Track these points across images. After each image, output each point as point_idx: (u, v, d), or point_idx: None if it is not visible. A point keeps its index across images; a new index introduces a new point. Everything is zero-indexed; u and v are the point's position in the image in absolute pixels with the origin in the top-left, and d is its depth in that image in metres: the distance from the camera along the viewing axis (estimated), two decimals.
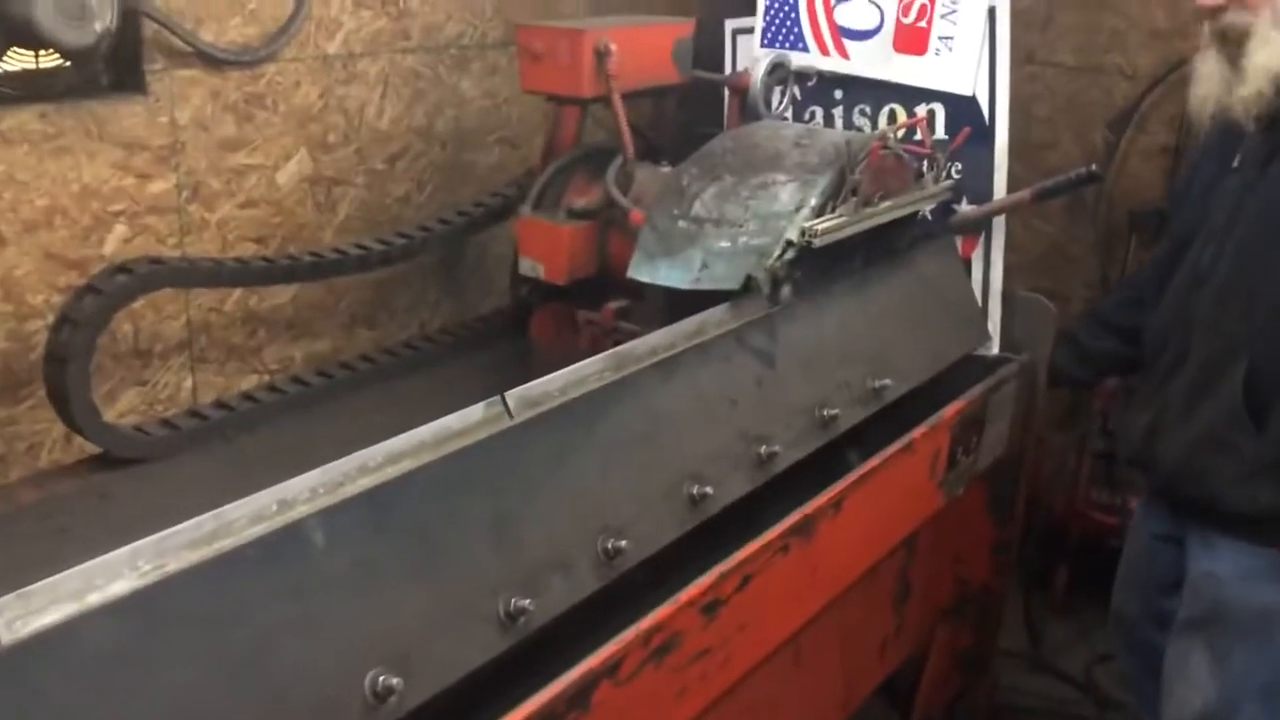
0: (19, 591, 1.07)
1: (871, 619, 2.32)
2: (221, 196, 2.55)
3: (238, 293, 2.60)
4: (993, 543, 2.59)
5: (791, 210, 1.96)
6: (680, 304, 1.92)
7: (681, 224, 2.02)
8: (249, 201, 2.60)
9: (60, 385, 1.90)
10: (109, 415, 2.38)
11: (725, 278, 1.91)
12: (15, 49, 2.19)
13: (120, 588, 1.11)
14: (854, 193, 2.00)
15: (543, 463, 1.47)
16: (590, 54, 2.25)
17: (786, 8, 2.63)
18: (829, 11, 2.58)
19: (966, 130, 2.36)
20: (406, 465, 1.33)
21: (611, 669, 1.39)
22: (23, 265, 2.22)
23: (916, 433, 2.04)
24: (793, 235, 1.91)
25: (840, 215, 1.99)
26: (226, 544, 1.16)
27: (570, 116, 2.49)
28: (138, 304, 2.30)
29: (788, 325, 1.92)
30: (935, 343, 2.28)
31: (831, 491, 1.81)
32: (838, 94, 2.60)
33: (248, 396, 2.23)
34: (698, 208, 2.03)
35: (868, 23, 2.55)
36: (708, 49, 3.00)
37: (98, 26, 2.16)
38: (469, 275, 3.11)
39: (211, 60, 2.44)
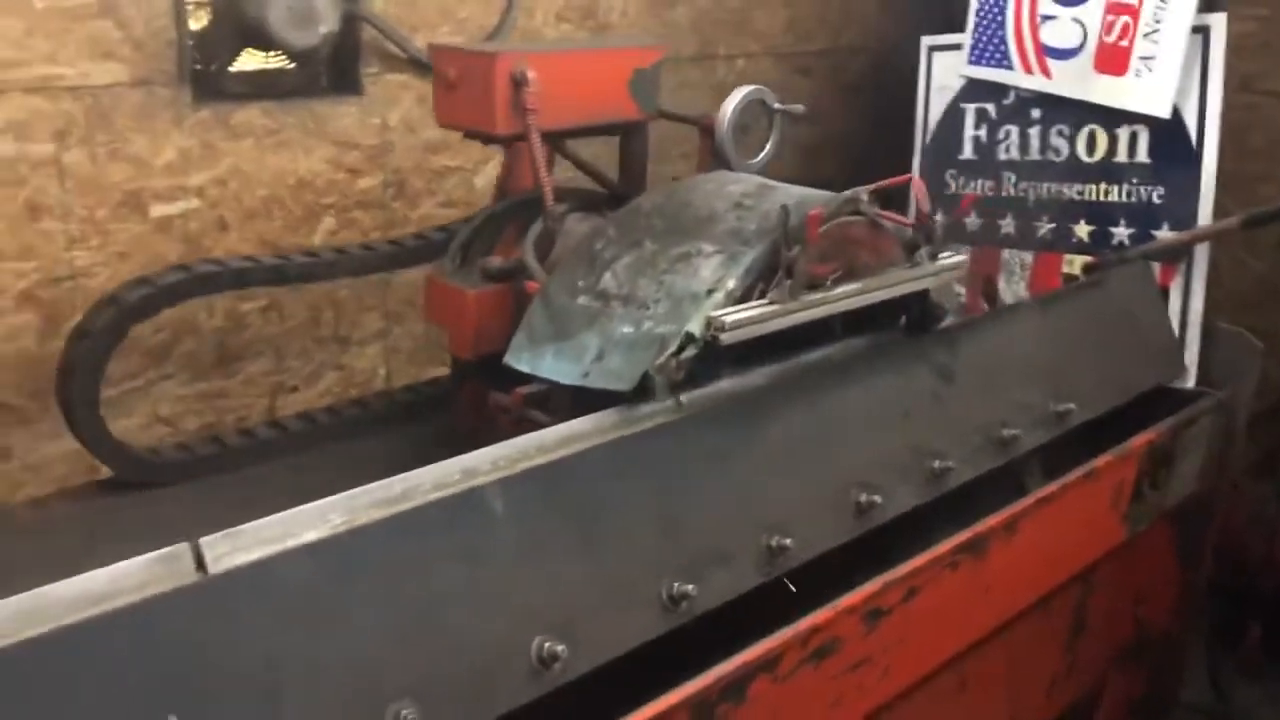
0: (226, 531, 1.17)
1: (1042, 654, 2.23)
2: (423, 195, 2.69)
3: None
4: (1178, 586, 2.46)
5: (704, 292, 1.58)
6: (605, 394, 1.55)
7: (582, 300, 1.66)
8: (448, 201, 2.73)
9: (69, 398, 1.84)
10: (310, 395, 2.55)
11: (618, 374, 1.53)
12: (248, 49, 2.38)
13: (313, 535, 1.19)
14: (789, 274, 1.57)
15: (711, 457, 1.49)
16: (505, 82, 1.83)
17: (995, 25, 2.59)
18: (1034, 30, 2.52)
19: (972, 196, 2.05)
20: (579, 447, 1.38)
21: (769, 664, 1.39)
22: (241, 250, 2.40)
23: (1100, 460, 1.96)
24: (695, 327, 1.53)
25: (767, 302, 1.57)
26: (411, 504, 1.23)
27: (524, 154, 1.98)
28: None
29: (969, 342, 1.88)
30: (1125, 371, 2.19)
31: (1007, 512, 1.76)
32: (1035, 113, 2.54)
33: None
34: (607, 280, 1.66)
35: (1071, 41, 2.49)
36: (902, 67, 2.98)
37: (322, 30, 2.32)
38: None
39: (422, 66, 2.58)
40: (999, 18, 2.63)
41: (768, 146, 2.18)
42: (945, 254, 1.83)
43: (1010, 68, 2.60)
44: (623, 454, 1.42)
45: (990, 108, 2.59)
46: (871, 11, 3.54)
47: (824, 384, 1.67)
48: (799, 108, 2.18)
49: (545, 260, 1.91)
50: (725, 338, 1.51)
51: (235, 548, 1.17)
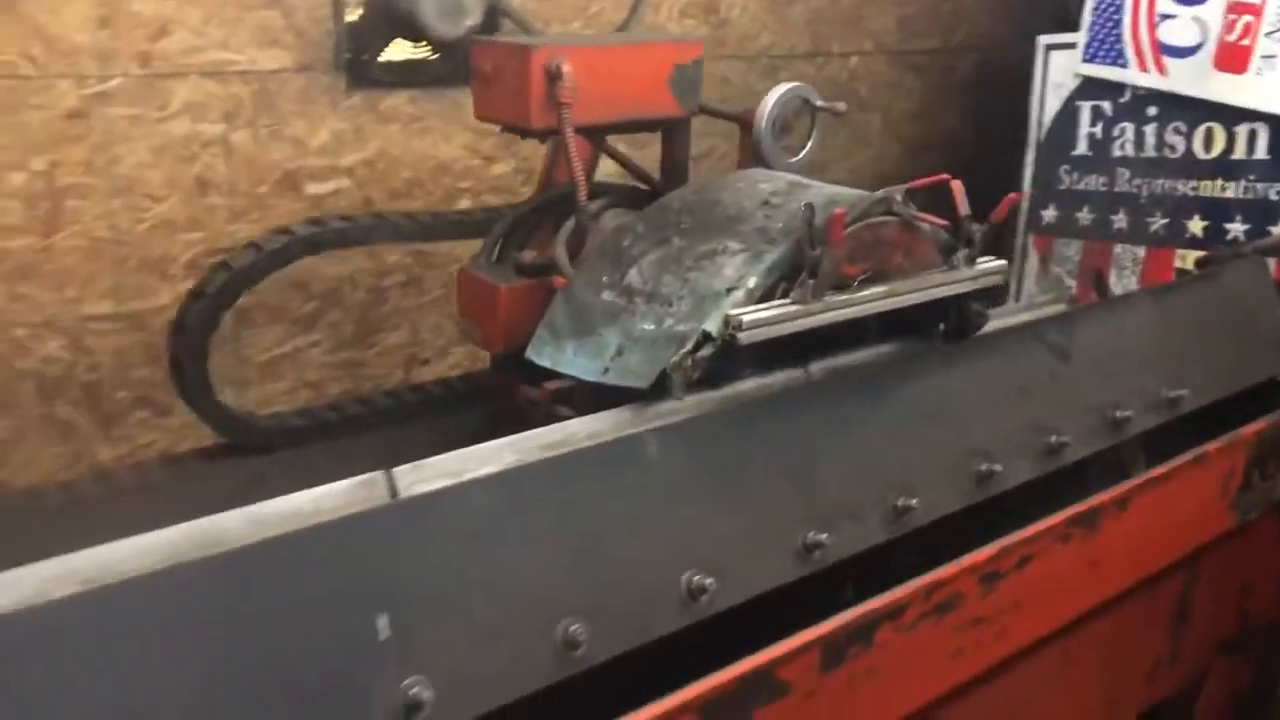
0: (414, 464, 1.31)
1: (1145, 637, 2.28)
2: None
3: None
4: None
5: (724, 290, 1.57)
6: (626, 391, 1.55)
7: (606, 296, 1.64)
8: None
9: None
10: (440, 367, 2.71)
11: (637, 372, 1.53)
12: (397, 40, 2.54)
13: (489, 470, 1.32)
14: (813, 273, 1.55)
15: (842, 421, 1.59)
16: (539, 75, 1.80)
17: (1111, 24, 2.64)
18: (1152, 28, 2.57)
19: (1015, 197, 1.78)
20: (730, 404, 1.50)
21: (894, 613, 1.49)
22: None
23: (1211, 446, 2.01)
24: (713, 326, 1.52)
25: (789, 303, 1.55)
26: (576, 447, 1.36)
27: (566, 149, 1.95)
28: None
29: (1086, 325, 1.95)
30: (1238, 362, 2.22)
31: (1119, 489, 1.83)
32: (1151, 111, 2.59)
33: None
34: (632, 276, 1.65)
35: (1189, 39, 2.53)
36: (1013, 66, 3.04)
37: (468, 22, 2.47)
38: None
39: None
40: (1116, 16, 2.68)
41: (809, 145, 2.12)
42: (985, 259, 1.75)
43: (1125, 66, 2.64)
44: (763, 414, 1.53)
45: (1106, 105, 2.64)
46: (984, 11, 3.60)
47: (948, 361, 1.75)
48: (840, 106, 2.13)
49: (577, 256, 1.90)
50: (743, 337, 1.49)
51: (422, 478, 1.31)
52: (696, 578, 1.34)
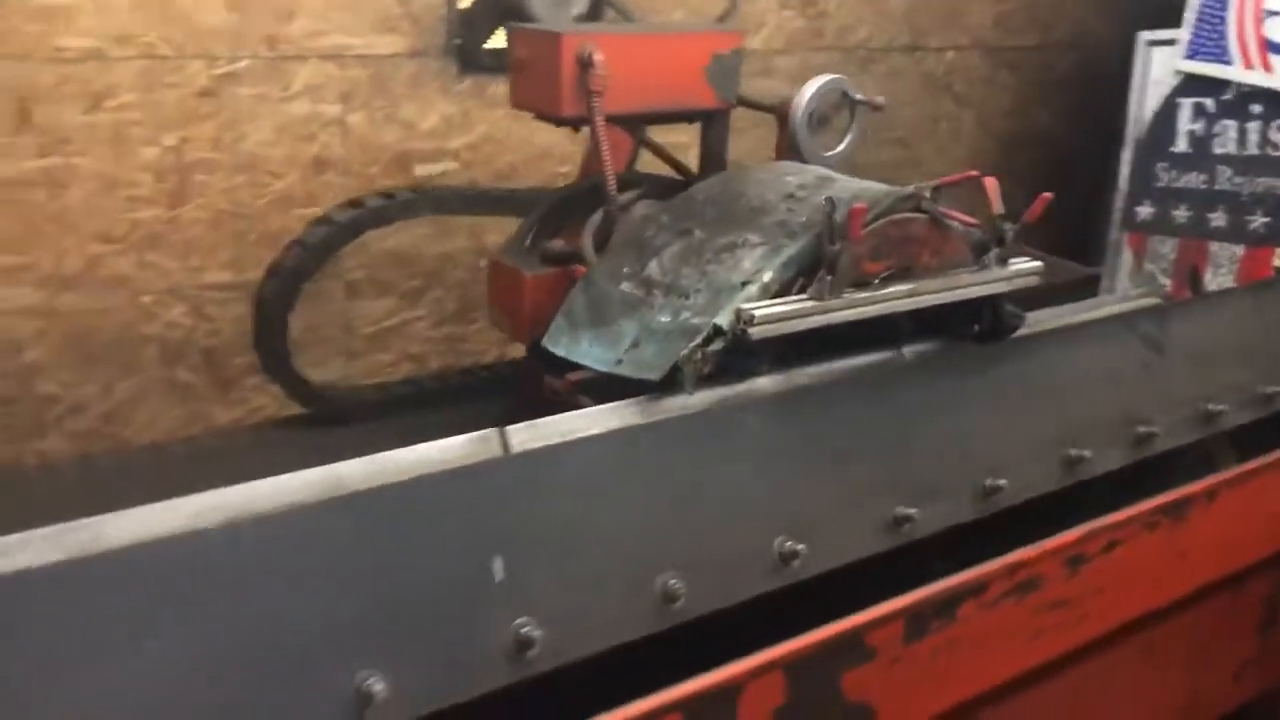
0: (529, 423, 1.39)
1: (1232, 636, 2.27)
2: (647, 167, 2.89)
3: None
4: None
5: (739, 284, 1.55)
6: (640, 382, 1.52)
7: (625, 287, 1.63)
8: (667, 173, 2.93)
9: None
10: None
11: (650, 364, 1.51)
12: (504, 27, 2.63)
13: (596, 430, 1.40)
14: (831, 269, 1.51)
15: (936, 400, 1.64)
16: (571, 63, 1.78)
17: (1215, 20, 2.63)
18: (1258, 24, 2.55)
19: (1046, 198, 1.68)
20: (825, 380, 1.55)
21: (976, 590, 1.53)
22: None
23: None
24: (724, 320, 1.49)
25: (805, 298, 1.52)
26: (678, 414, 1.42)
27: (607, 138, 1.92)
28: None
29: (1181, 319, 1.96)
30: None
31: (1208, 481, 1.84)
32: (1255, 109, 2.57)
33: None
34: (653, 268, 1.63)
35: None
36: (1111, 63, 3.03)
37: (573, 11, 2.55)
38: None
39: None
40: (1220, 13, 2.66)
41: (846, 139, 2.05)
42: (1019, 259, 1.69)
43: (1229, 62, 2.62)
44: (859, 391, 1.58)
45: (1208, 102, 2.62)
46: (1085, 7, 3.58)
47: (1042, 347, 1.78)
48: (880, 100, 2.06)
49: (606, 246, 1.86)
50: (754, 332, 1.46)
51: (534, 436, 1.39)
52: (789, 543, 1.40)
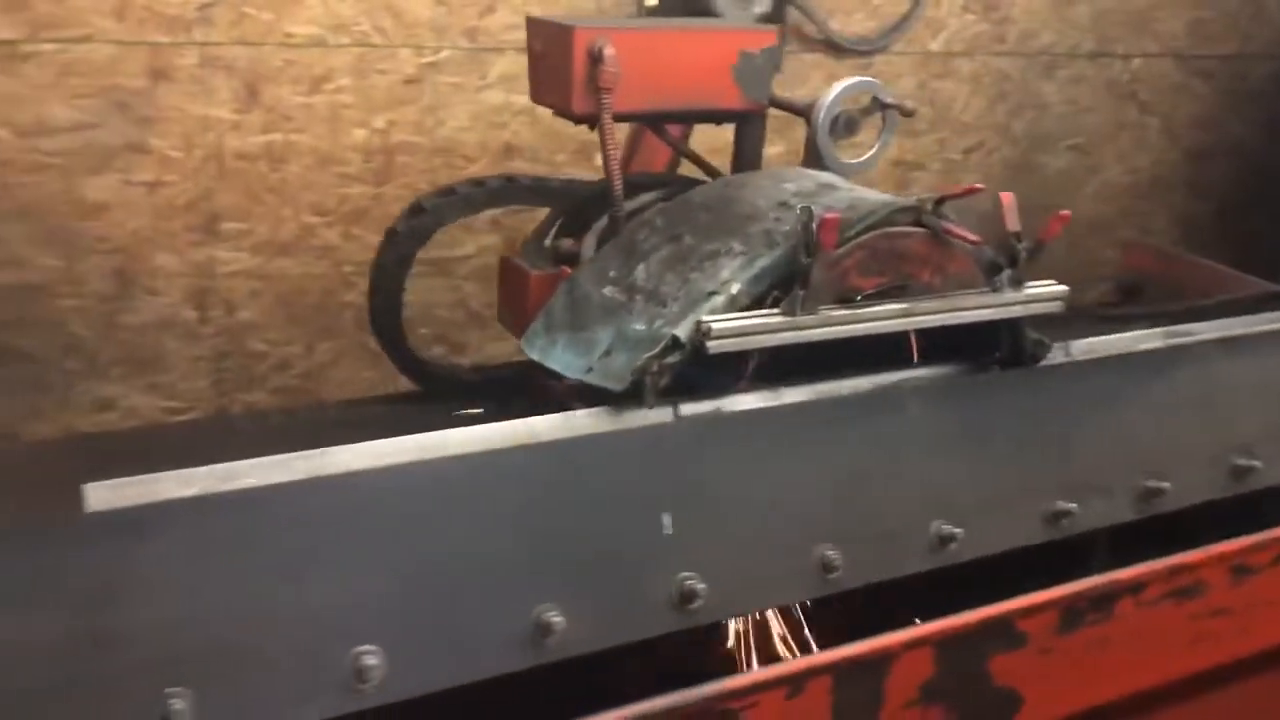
0: (699, 394, 1.48)
1: None
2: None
3: None
4: None
5: (707, 294, 1.47)
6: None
7: (607, 291, 1.57)
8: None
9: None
10: None
11: (618, 374, 1.44)
12: None
13: (761, 404, 1.48)
14: (805, 283, 1.43)
15: (1097, 400, 1.65)
16: (583, 57, 1.68)
17: None
18: None
19: (1066, 216, 1.59)
20: (990, 373, 1.59)
21: (1134, 588, 1.54)
22: None
23: None
24: (684, 331, 1.42)
25: (775, 313, 1.45)
26: (842, 392, 1.49)
27: (647, 136, 1.89)
28: None
29: None
30: None
31: None
32: None
33: None
34: (639, 273, 1.56)
35: None
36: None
37: (757, 10, 2.62)
38: None
39: (834, 47, 2.83)
40: None
41: (875, 147, 1.89)
42: (1041, 282, 1.61)
43: None
44: (1013, 385, 1.61)
45: None
46: None
47: (1213, 355, 1.77)
48: (910, 105, 1.91)
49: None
50: (712, 345, 1.40)
51: (702, 407, 1.48)
52: (946, 527, 1.44)
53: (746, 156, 1.96)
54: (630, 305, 1.53)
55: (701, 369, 1.45)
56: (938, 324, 1.55)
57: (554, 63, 1.74)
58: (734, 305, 1.46)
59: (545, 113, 2.56)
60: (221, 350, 2.43)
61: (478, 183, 1.96)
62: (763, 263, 1.49)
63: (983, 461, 1.53)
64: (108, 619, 1.06)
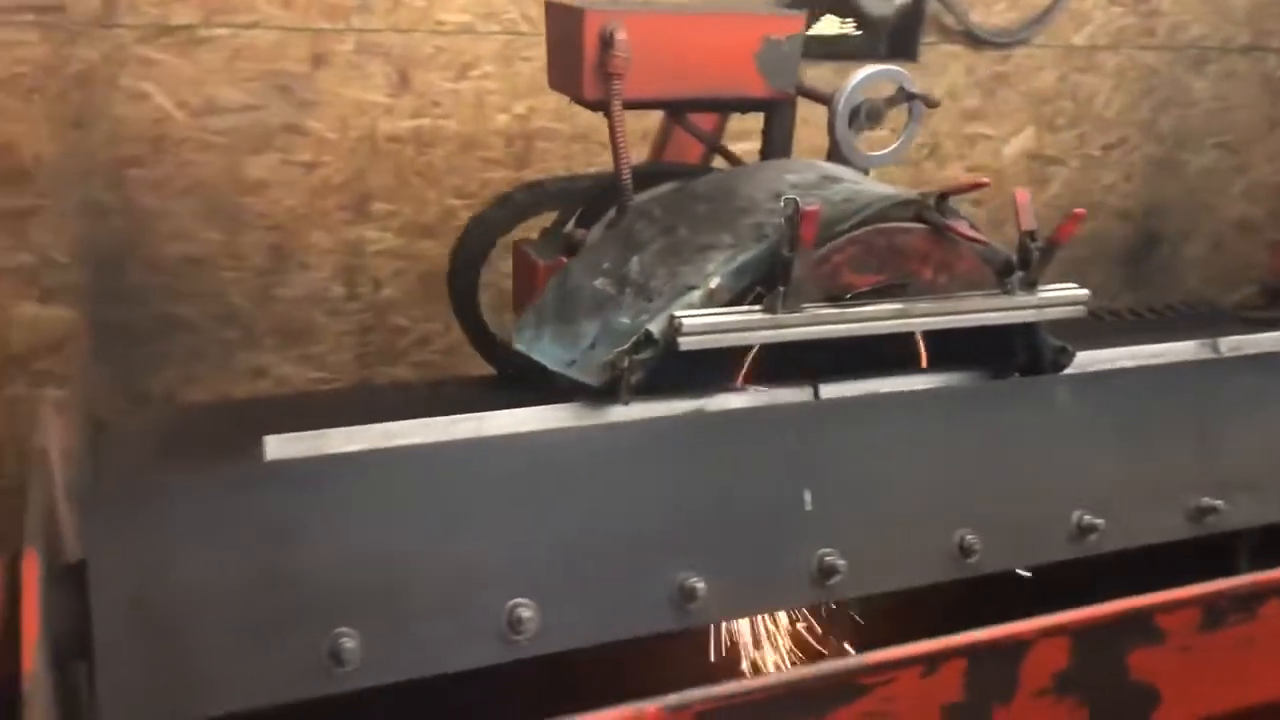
0: (839, 380, 1.50)
1: None
2: (953, 159, 2.92)
3: None
4: None
5: (686, 288, 1.41)
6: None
7: (598, 283, 1.50)
8: (975, 166, 2.94)
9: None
10: None
11: (595, 369, 1.39)
12: (828, 15, 2.73)
13: (907, 387, 1.49)
14: (785, 280, 1.36)
15: (1254, 398, 1.61)
16: (594, 41, 1.60)
17: None
18: None
19: (1080, 213, 1.48)
20: (1129, 364, 1.57)
21: None
22: None
23: None
24: (657, 326, 1.36)
25: (750, 310, 1.39)
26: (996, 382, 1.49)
27: (612, 124, 1.73)
28: None
29: None
30: None
31: None
32: None
33: None
34: (633, 265, 1.49)
35: None
36: None
37: (898, 1, 2.62)
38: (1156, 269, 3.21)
39: (974, 39, 2.81)
40: None
41: (900, 139, 1.78)
42: (1061, 285, 1.52)
43: None
44: (1165, 379, 1.59)
45: None
46: None
47: None
48: (934, 97, 1.79)
49: None
50: (684, 342, 1.34)
51: (843, 390, 1.50)
52: (1088, 517, 1.44)
53: (776, 145, 1.88)
54: (620, 298, 1.47)
55: (690, 366, 1.39)
56: (936, 326, 1.47)
57: (566, 47, 1.68)
58: (713, 300, 1.40)
59: None
60: (366, 325, 2.54)
61: (569, 179, 1.97)
62: (745, 257, 1.42)
63: (1128, 454, 1.52)
64: (284, 560, 1.13)
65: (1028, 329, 1.55)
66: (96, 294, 2.27)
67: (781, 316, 1.38)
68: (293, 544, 1.14)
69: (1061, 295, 1.52)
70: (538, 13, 2.46)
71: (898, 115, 1.79)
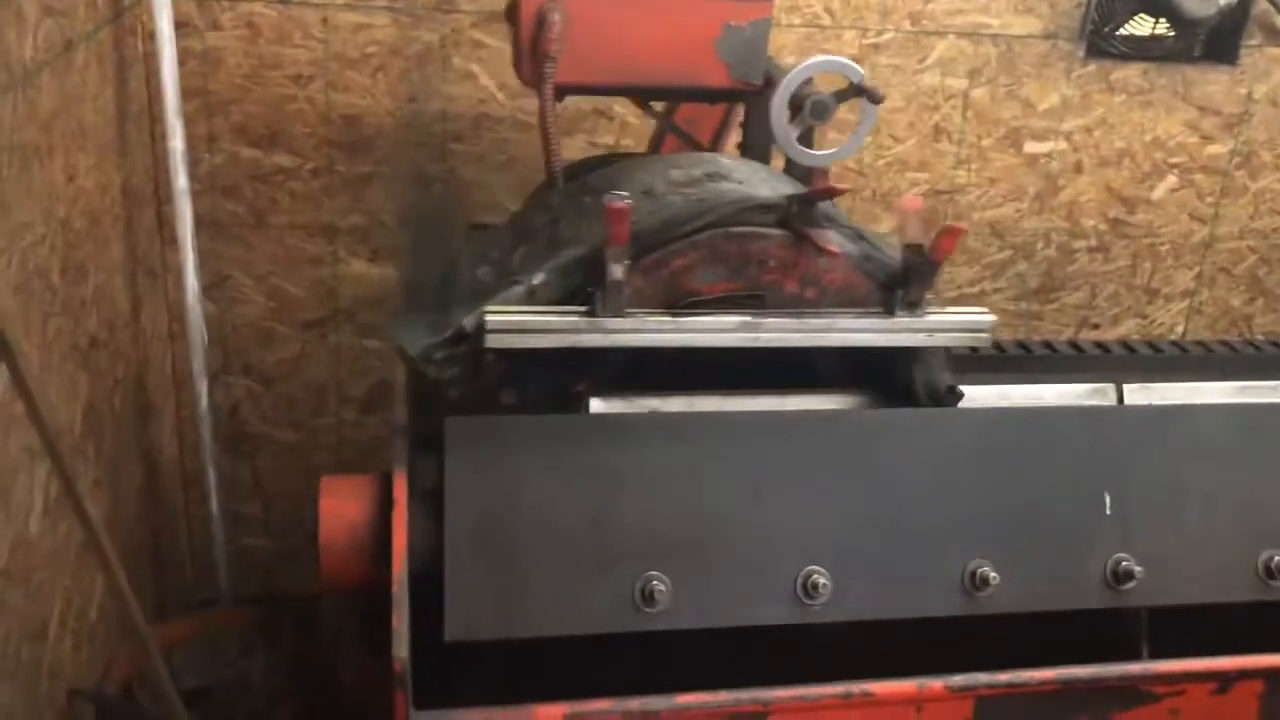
0: (1140, 384, 1.48)
1: None
2: (1268, 169, 2.76)
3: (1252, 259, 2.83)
4: None
5: (510, 283, 1.32)
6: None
7: (480, 273, 1.41)
8: None
9: None
10: (1107, 334, 2.80)
11: (429, 360, 1.35)
12: (1140, 15, 2.63)
13: (1219, 399, 1.45)
14: (600, 281, 1.26)
15: None
16: (529, 21, 1.52)
17: None
18: None
19: (959, 227, 1.28)
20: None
21: None
22: (1088, 193, 2.69)
23: None
24: (470, 321, 1.29)
25: (569, 312, 1.28)
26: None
27: (542, 108, 1.58)
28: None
29: None
30: None
31: None
32: None
33: None
34: (517, 256, 1.41)
35: None
36: None
37: (1221, 1, 2.49)
38: None
39: None
40: None
41: (849, 138, 1.54)
42: (963, 310, 1.35)
43: None
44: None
45: None
46: None
47: None
48: (880, 92, 1.54)
49: None
50: (490, 340, 1.27)
51: (1148, 395, 1.48)
52: (1277, 558, 1.35)
53: (756, 140, 1.74)
54: (496, 288, 1.38)
55: (544, 366, 1.33)
56: (784, 344, 1.32)
57: (514, 26, 1.61)
58: (534, 298, 1.32)
59: (978, 98, 2.60)
60: None
61: None
62: (572, 253, 1.34)
63: None
64: (607, 505, 1.25)
65: (911, 354, 1.37)
66: (413, 255, 2.50)
67: (604, 320, 1.29)
68: (613, 493, 1.25)
69: (955, 320, 1.35)
70: (840, 6, 2.51)
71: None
